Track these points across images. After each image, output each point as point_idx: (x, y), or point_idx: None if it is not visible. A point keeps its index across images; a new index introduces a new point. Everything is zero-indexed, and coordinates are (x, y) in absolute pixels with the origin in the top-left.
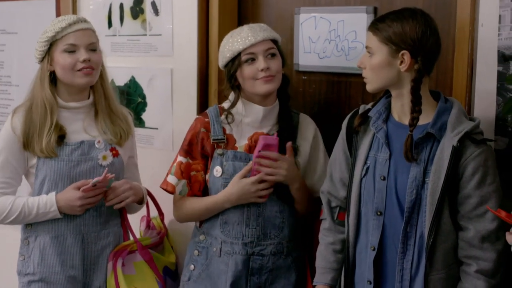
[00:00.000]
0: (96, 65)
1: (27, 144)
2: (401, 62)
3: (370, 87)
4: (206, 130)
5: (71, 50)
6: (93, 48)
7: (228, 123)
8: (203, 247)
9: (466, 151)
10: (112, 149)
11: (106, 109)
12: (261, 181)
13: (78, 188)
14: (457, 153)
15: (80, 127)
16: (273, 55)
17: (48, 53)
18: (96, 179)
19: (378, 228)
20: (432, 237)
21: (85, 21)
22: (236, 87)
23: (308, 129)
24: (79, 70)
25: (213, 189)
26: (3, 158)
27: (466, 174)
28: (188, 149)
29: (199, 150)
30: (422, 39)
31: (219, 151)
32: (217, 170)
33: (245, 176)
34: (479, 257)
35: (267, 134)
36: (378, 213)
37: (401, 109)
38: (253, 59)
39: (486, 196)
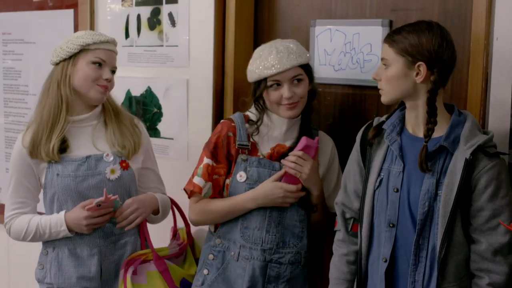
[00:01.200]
0: (111, 87)
1: (33, 150)
2: (417, 73)
3: (385, 98)
4: (233, 134)
5: (99, 64)
6: (114, 70)
7: (253, 134)
8: (219, 251)
9: (479, 164)
10: (122, 162)
11: (115, 121)
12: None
13: (85, 207)
14: (469, 166)
15: (88, 141)
16: (299, 80)
17: (74, 56)
18: (99, 199)
19: (390, 240)
20: (444, 249)
21: (116, 44)
22: (260, 104)
23: (327, 146)
24: (98, 85)
25: (233, 194)
26: (15, 178)
27: (478, 187)
28: (214, 152)
29: (224, 153)
30: (439, 51)
31: (243, 156)
32: (240, 176)
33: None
34: (491, 270)
35: (289, 146)
36: (391, 225)
37: (415, 121)
38: (278, 84)
39: (498, 209)
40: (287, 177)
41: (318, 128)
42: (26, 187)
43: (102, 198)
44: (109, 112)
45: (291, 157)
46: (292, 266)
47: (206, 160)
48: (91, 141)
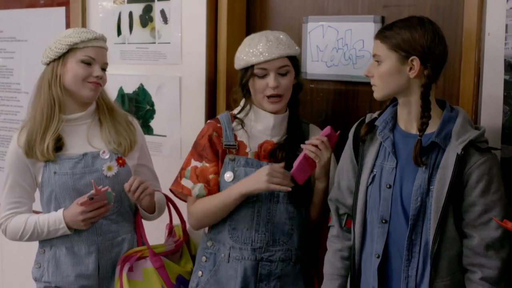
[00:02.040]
0: (103, 83)
1: (29, 150)
2: (410, 68)
3: (378, 94)
4: (218, 135)
5: (88, 62)
6: (105, 68)
7: (240, 129)
8: (210, 253)
9: (470, 159)
10: (118, 159)
11: (110, 119)
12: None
13: (79, 203)
14: (461, 161)
15: (83, 139)
16: (286, 72)
17: (63, 56)
18: (90, 192)
19: (383, 235)
20: (437, 244)
21: (105, 40)
22: (248, 93)
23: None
24: (89, 82)
25: None
26: (11, 178)
27: (470, 182)
28: (203, 153)
29: (213, 152)
30: (431, 45)
31: (230, 156)
32: (228, 176)
33: None
34: (483, 265)
35: (276, 142)
36: (383, 221)
37: (407, 118)
38: (265, 74)
39: (490, 204)
40: (302, 163)
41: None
42: (23, 187)
43: (93, 191)
44: (103, 109)
45: (314, 140)
46: (283, 263)
47: (194, 163)
48: (86, 139)
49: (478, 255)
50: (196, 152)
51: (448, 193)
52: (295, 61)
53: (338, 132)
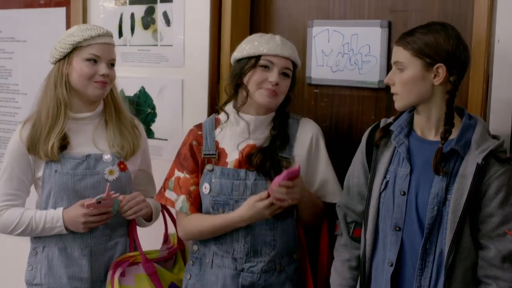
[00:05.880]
0: (111, 80)
1: (31, 146)
2: (435, 75)
3: (401, 103)
4: (198, 143)
5: (93, 60)
6: (112, 63)
7: (222, 135)
8: (196, 258)
9: (490, 170)
10: (120, 163)
11: (116, 120)
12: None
13: (85, 204)
14: (481, 171)
15: (88, 139)
16: (286, 75)
17: (68, 56)
18: (100, 195)
19: (396, 243)
20: (452, 255)
21: (111, 36)
22: (237, 88)
23: (306, 134)
24: (95, 82)
25: (202, 205)
26: (10, 170)
27: (489, 193)
28: (184, 163)
29: (193, 163)
30: (456, 51)
31: (209, 166)
32: (205, 187)
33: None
34: (499, 277)
35: (258, 146)
36: (397, 229)
37: (426, 124)
38: (268, 68)
39: (508, 215)
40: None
41: None
42: (21, 180)
43: (103, 195)
44: (110, 110)
45: (280, 190)
46: (266, 274)
47: (177, 173)
48: (91, 140)
49: (494, 267)
50: (179, 161)
51: (466, 203)
52: (295, 73)
53: (298, 165)
